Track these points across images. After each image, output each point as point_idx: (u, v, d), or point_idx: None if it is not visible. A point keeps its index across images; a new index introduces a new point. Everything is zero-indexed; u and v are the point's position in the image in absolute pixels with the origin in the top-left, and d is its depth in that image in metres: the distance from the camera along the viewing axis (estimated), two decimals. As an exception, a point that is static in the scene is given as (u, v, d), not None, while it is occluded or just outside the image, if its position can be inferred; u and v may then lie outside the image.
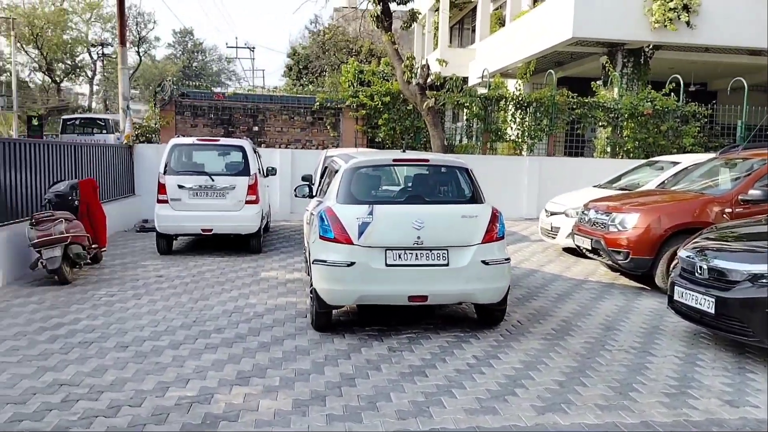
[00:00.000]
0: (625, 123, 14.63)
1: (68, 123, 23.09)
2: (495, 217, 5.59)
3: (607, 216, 7.58)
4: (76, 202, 8.14)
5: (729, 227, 5.68)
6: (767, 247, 4.79)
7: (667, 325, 5.99)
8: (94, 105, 45.68)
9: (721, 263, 4.90)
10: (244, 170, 9.46)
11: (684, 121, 14.91)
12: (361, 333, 5.62)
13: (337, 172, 5.89)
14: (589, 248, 7.79)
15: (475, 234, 5.45)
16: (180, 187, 9.21)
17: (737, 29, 16.17)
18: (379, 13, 11.39)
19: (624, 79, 16.34)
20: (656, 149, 14.67)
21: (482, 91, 15.09)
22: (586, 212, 8.16)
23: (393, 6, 11.64)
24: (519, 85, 15.07)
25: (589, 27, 15.99)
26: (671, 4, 15.54)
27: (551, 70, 15.82)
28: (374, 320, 5.98)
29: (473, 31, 30.74)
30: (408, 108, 14.04)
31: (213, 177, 9.30)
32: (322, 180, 7.03)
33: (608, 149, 14.93)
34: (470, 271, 5.37)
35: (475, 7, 28.74)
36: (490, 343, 5.39)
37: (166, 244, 9.51)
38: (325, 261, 5.36)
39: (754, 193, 6.97)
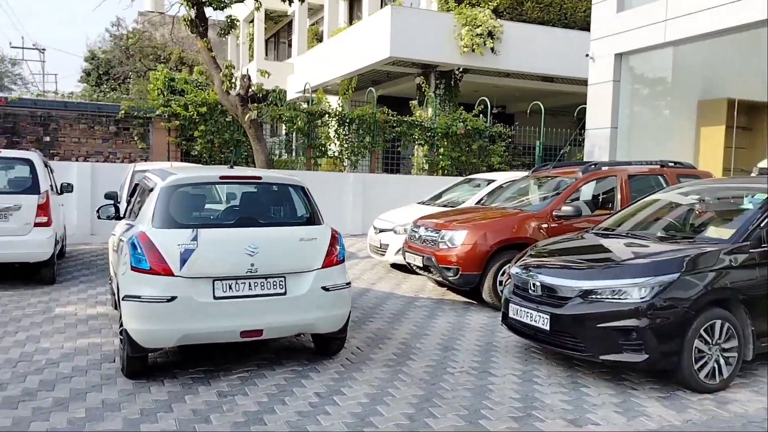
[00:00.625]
0: (440, 141, 15.21)
1: None
2: (335, 239, 5.21)
3: (437, 233, 7.60)
4: None
5: (555, 242, 5.89)
6: (598, 264, 4.99)
7: (499, 341, 6.05)
8: None
9: (553, 280, 5.00)
10: (32, 187, 8.08)
11: (491, 140, 15.90)
12: (183, 377, 4.89)
13: (152, 190, 5.11)
14: (421, 265, 7.76)
15: (315, 258, 5.02)
16: (-53, 208, 7.60)
17: (533, 57, 17.74)
18: (193, 17, 10.54)
19: (437, 100, 17.07)
20: (468, 167, 15.45)
21: (304, 105, 14.77)
22: (416, 229, 8.14)
23: (209, 11, 10.86)
24: (340, 101, 15.01)
25: (406, 48, 16.50)
26: (478, 30, 16.58)
27: (371, 88, 16.02)
28: (198, 359, 5.27)
29: (289, 45, 30.49)
30: (227, 120, 13.25)
31: (-8, 195, 7.81)
32: (132, 199, 6.13)
33: (425, 166, 15.42)
34: (310, 299, 4.93)
35: (291, 21, 28.55)
36: (332, 376, 4.98)
37: (-74, 277, 7.78)
38: (139, 297, 4.57)
39: (566, 209, 7.41)
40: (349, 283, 5.26)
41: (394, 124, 14.99)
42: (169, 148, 13.15)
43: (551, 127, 16.50)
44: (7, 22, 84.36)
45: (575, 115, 16.94)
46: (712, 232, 5.30)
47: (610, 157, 11.36)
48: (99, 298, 7.58)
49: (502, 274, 7.20)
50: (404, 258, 8.35)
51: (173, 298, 4.55)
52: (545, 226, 7.43)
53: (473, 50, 16.75)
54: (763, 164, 10.17)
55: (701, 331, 4.55)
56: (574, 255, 5.53)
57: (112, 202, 6.47)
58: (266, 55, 31.30)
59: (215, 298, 4.67)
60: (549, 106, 17.19)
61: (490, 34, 16.79)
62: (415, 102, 16.65)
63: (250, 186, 5.36)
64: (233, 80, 10.78)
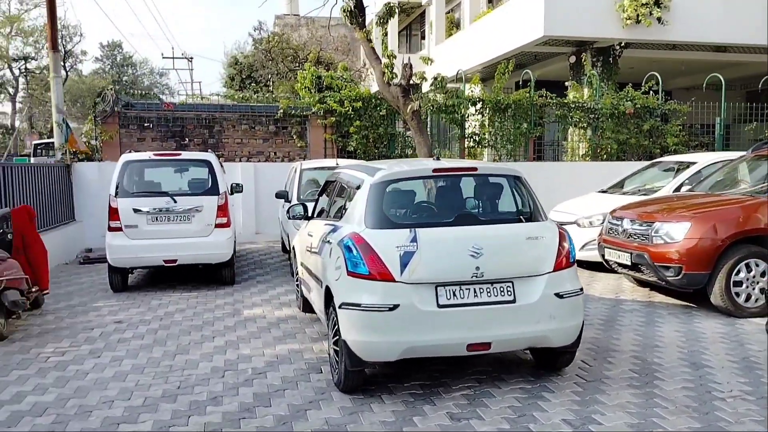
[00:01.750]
0: (605, 123, 13.91)
1: (38, 147, 22.43)
2: (563, 236, 4.48)
3: (649, 226, 6.61)
4: (9, 236, 6.57)
5: None
6: None
7: (756, 356, 5.02)
8: (17, 124, 42.42)
9: None
10: (212, 188, 8.07)
11: (664, 120, 14.34)
12: (401, 393, 4.38)
13: (359, 188, 4.64)
14: (628, 263, 6.79)
15: (545, 260, 4.32)
16: (136, 211, 7.74)
17: (704, 26, 15.87)
18: (352, 7, 10.19)
19: (591, 80, 15.74)
20: (638, 150, 14.04)
21: (467, 91, 14.07)
22: (616, 222, 7.18)
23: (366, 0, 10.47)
24: (480, 89, 14.12)
25: (561, 25, 15.30)
26: (643, 0, 15.04)
27: (527, 70, 15.01)
28: (409, 371, 4.74)
29: (422, 36, 29.94)
30: (381, 114, 12.89)
31: (175, 198, 7.87)
32: (328, 198, 5.75)
33: (588, 151, 14.19)
34: (542, 307, 4.24)
35: (423, 12, 27.98)
36: (571, 397, 4.25)
37: (120, 279, 7.99)
38: (359, 305, 4.10)
39: (815, 193, 6.15)
40: (582, 289, 4.49)
41: (554, 108, 13.90)
42: (326, 144, 13.00)
43: (732, 102, 14.61)
44: (159, 34, 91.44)
45: (760, 86, 14.95)
46: None
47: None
48: (282, 299, 7.38)
49: (737, 274, 6.10)
50: (601, 255, 7.42)
51: (395, 307, 4.04)
52: (790, 215, 6.21)
53: (638, 21, 15.21)
54: None
55: None
56: None
57: (299, 202, 6.15)
58: (398, 48, 31.01)
59: (439, 306, 4.10)
60: (728, 78, 15.27)
61: (657, 3, 15.15)
62: (574, 82, 15.44)
63: (466, 178, 4.74)
64: (394, 70, 10.31)
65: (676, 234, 6.30)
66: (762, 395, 4.18)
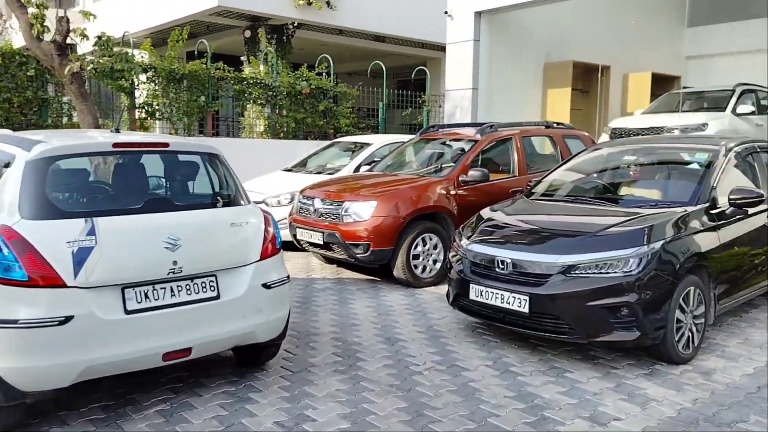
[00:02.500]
0: (283, 102, 14.00)
1: None
2: (268, 221, 4.12)
3: (339, 205, 6.70)
4: None
5: (503, 213, 5.31)
6: (573, 235, 4.53)
7: (439, 324, 5.43)
8: None
9: (527, 256, 4.46)
10: None
11: (335, 101, 15.08)
12: (77, 421, 3.53)
13: (8, 166, 3.55)
14: (320, 242, 6.80)
15: (251, 248, 3.91)
16: None
17: (367, 15, 17.16)
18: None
19: (266, 57, 15.77)
20: (314, 129, 14.51)
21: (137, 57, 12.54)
22: (306, 201, 7.13)
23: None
24: (151, 55, 12.96)
25: (237, -3, 14.89)
26: (315, -17, 15.51)
27: (203, 39, 14.18)
28: (80, 392, 3.88)
29: (78, -10, 26.32)
30: (28, 74, 10.76)
31: None
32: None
33: (262, 129, 14.14)
34: (249, 300, 3.83)
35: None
36: (280, 394, 3.95)
37: None
38: (15, 321, 3.12)
39: (474, 173, 6.96)
40: (288, 276, 4.21)
41: (232, 82, 13.44)
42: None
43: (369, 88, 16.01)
44: None
45: (412, 76, 16.79)
46: (654, 193, 5.15)
47: (471, 119, 11.23)
48: None
49: (415, 248, 6.58)
50: (293, 234, 7.32)
51: (69, 319, 3.18)
52: (453, 193, 6.91)
53: (309, 3, 15.67)
54: (614, 123, 10.72)
55: (680, 300, 4.33)
56: (537, 226, 5.02)
57: None
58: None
59: (127, 312, 3.38)
60: (378, 67, 16.77)
61: (327, -13, 15.81)
62: (253, 57, 15.20)
63: (154, 156, 3.98)
64: (45, 23, 8.60)
65: (364, 213, 6.51)
66: (451, 363, 4.49)
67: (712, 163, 5.05)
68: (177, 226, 3.59)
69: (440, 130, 8.32)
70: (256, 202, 8.04)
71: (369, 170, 8.20)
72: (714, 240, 4.63)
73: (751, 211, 4.91)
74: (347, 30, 18.05)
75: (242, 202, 4.13)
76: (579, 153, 6.19)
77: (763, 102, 10.66)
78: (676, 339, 4.32)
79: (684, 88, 11.64)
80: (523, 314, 4.36)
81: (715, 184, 4.86)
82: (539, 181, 5.94)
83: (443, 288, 6.62)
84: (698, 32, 15.53)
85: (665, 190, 5.17)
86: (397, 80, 21.73)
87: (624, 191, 5.46)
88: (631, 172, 5.67)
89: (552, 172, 6.07)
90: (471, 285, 4.68)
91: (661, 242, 4.26)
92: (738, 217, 4.87)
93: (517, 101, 12.20)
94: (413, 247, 6.57)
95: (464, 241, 4.99)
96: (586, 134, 8.76)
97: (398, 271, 6.59)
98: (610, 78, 13.10)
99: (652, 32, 14.82)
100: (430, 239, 6.72)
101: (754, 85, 10.78)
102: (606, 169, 5.91)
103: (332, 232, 6.63)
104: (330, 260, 7.72)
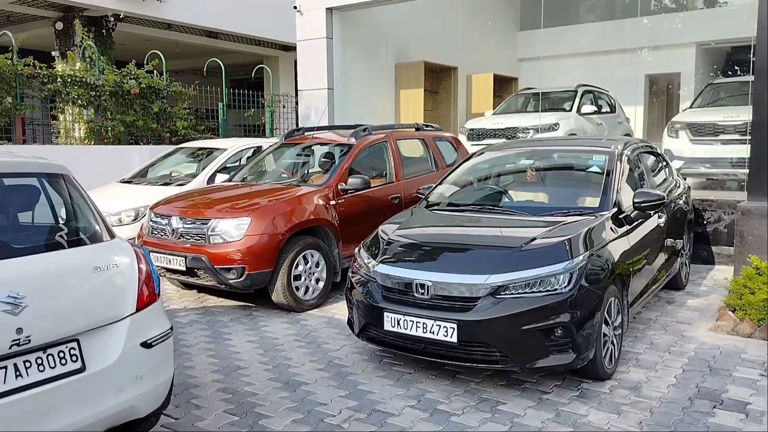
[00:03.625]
0: (109, 103, 12.32)
1: None
2: (140, 256, 3.17)
3: (204, 224, 5.73)
4: None
5: (407, 227, 4.76)
6: (495, 250, 4.09)
7: (338, 356, 4.76)
8: None
9: (448, 277, 3.95)
10: None
11: (170, 102, 13.65)
12: None
13: None
14: (182, 269, 5.79)
15: (123, 297, 2.96)
16: None
17: (198, 9, 15.86)
18: None
19: (84, 53, 13.89)
20: (147, 133, 12.98)
21: None
22: (159, 220, 6.06)
23: None
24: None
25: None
26: (139, -29, 13.91)
27: (6, 31, 11.98)
28: None
29: None
30: None
31: None
32: None
33: (91, 134, 12.37)
34: (125, 367, 2.89)
35: None
36: (174, 482, 3.06)
37: None
38: None
39: (354, 181, 6.37)
40: (171, 327, 3.30)
41: (45, 80, 11.52)
42: None
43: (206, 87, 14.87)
44: None
45: (252, 75, 15.85)
46: (562, 200, 4.94)
47: (329, 121, 10.63)
48: None
49: (296, 267, 5.84)
50: (145, 259, 6.18)
51: None
52: (333, 203, 6.27)
53: (133, -6, 14.04)
54: (470, 124, 10.74)
55: (605, 314, 4.11)
56: (453, 241, 4.52)
57: None
58: None
59: (-53, 412, 2.31)
60: (212, 65, 15.56)
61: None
62: (71, 53, 13.26)
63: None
64: None
65: (236, 231, 5.62)
66: (373, 408, 3.85)
67: (610, 166, 4.94)
68: (17, 279, 2.56)
69: (306, 133, 7.60)
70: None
71: (228, 180, 7.25)
72: (624, 245, 4.49)
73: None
74: (176, 24, 16.56)
75: (105, 237, 3.14)
76: (470, 157, 5.85)
77: (600, 102, 11.32)
78: (603, 354, 4.09)
79: (527, 89, 12.02)
80: (450, 344, 3.86)
81: (618, 188, 4.74)
82: (432, 189, 5.50)
83: (329, 310, 5.99)
84: (529, 36, 16.35)
85: (573, 197, 4.98)
86: (232, 80, 20.50)
87: (531, 198, 5.19)
88: (528, 177, 5.44)
89: (445, 178, 5.66)
90: (385, 313, 4.08)
91: (587, 254, 3.99)
92: (640, 220, 4.80)
93: (372, 102, 11.83)
94: (294, 266, 5.82)
95: (370, 262, 4.37)
96: (453, 136, 8.58)
97: (278, 296, 5.80)
98: (457, 79, 13.23)
99: (492, 35, 15.31)
100: (312, 256, 6.01)
101: (591, 85, 11.41)
102: (501, 173, 5.63)
103: (197, 255, 5.66)
104: (189, 285, 6.69)
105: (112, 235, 3.18)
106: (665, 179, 6.13)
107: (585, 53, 14.91)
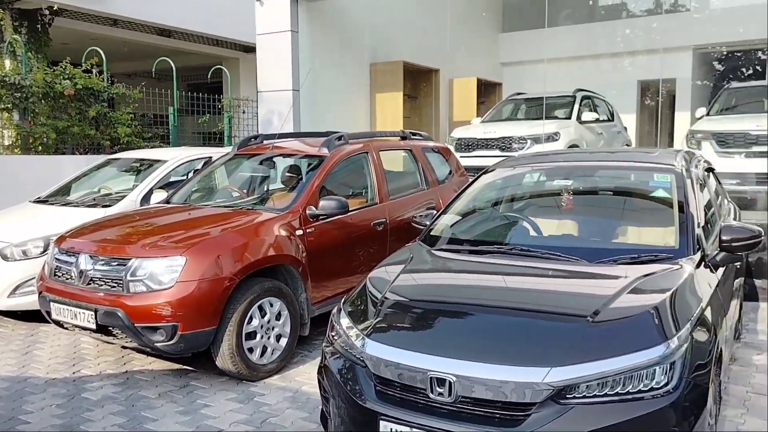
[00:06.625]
0: (38, 106, 10.61)
1: None
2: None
3: (122, 264, 4.20)
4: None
5: (410, 279, 3.29)
6: (556, 322, 2.67)
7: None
8: None
9: (482, 371, 2.52)
10: None
11: (112, 106, 11.99)
12: None
13: None
14: (92, 327, 4.24)
15: None
16: None
17: (149, 3, 14.28)
18: None
19: (10, 48, 12.17)
20: (84, 141, 11.29)
21: None
22: (65, 257, 4.50)
23: None
24: None
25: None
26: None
27: None
28: None
29: None
30: None
31: None
32: None
33: (17, 141, 10.65)
34: None
35: None
36: None
37: None
38: None
39: (327, 204, 4.90)
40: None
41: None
42: None
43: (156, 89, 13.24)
44: None
45: (208, 78, 14.33)
46: (621, 235, 3.56)
47: (294, 127, 9.14)
48: None
49: (249, 322, 4.34)
50: (45, 311, 4.62)
51: None
52: (300, 233, 4.79)
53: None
54: (457, 133, 9.40)
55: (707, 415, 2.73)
56: (482, 303, 3.07)
57: None
58: None
59: None
60: (164, 66, 13.95)
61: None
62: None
63: None
64: None
65: (165, 275, 4.10)
66: None
67: (681, 189, 3.59)
68: None
69: (266, 142, 6.10)
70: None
71: (166, 201, 5.70)
72: (718, 305, 3.13)
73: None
74: (123, 20, 14.91)
75: None
76: (480, 175, 4.40)
77: (598, 109, 10.12)
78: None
79: (517, 94, 10.74)
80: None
81: (699, 222, 3.39)
82: (434, 219, 4.06)
83: (293, 377, 4.54)
84: (511, 39, 15.17)
85: (634, 234, 3.60)
86: (188, 83, 18.84)
87: (573, 233, 3.77)
88: (563, 203, 4.03)
89: (450, 205, 4.21)
90: (382, 422, 2.63)
91: (689, 327, 2.62)
92: (728, 265, 3.46)
93: (343, 106, 10.38)
94: (247, 321, 4.32)
95: (353, 333, 2.91)
96: (445, 146, 7.20)
97: (224, 361, 4.28)
98: (439, 82, 11.87)
99: (474, 38, 14.07)
100: (271, 306, 4.51)
101: (589, 91, 10.21)
102: (526, 198, 4.24)
103: (112, 309, 4.11)
104: (107, 339, 5.11)
105: None
106: (722, 203, 4.84)
107: (574, 57, 13.77)
